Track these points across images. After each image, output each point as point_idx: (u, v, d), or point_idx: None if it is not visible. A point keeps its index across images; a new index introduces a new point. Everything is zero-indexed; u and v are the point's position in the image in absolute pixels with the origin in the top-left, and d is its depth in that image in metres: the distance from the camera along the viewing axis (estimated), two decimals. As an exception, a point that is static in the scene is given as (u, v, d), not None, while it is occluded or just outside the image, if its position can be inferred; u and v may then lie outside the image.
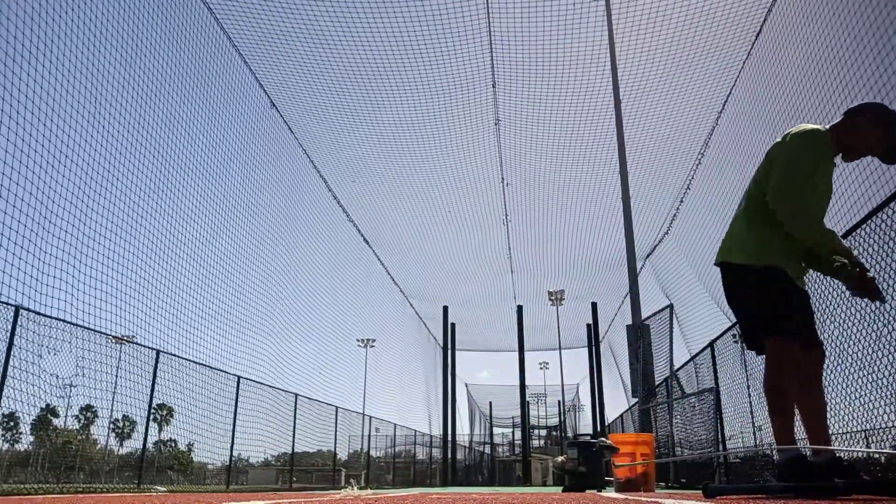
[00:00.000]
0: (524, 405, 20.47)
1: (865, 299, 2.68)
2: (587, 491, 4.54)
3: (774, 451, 6.78)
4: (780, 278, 2.64)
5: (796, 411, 2.67)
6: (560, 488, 6.73)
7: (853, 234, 4.27)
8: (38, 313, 6.48)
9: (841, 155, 2.75)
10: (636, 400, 11.10)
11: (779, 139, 2.71)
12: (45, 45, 5.90)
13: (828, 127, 2.72)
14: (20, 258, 5.68)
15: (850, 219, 4.59)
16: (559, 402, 37.10)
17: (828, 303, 4.77)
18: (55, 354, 6.84)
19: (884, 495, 2.18)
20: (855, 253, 2.71)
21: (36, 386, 6.54)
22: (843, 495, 2.09)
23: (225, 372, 10.36)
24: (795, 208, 2.58)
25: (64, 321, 6.74)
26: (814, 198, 2.62)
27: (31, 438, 8.30)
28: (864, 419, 4.23)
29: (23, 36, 5.63)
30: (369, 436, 18.90)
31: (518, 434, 30.88)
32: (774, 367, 2.59)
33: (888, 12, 5.03)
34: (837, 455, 2.54)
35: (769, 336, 2.61)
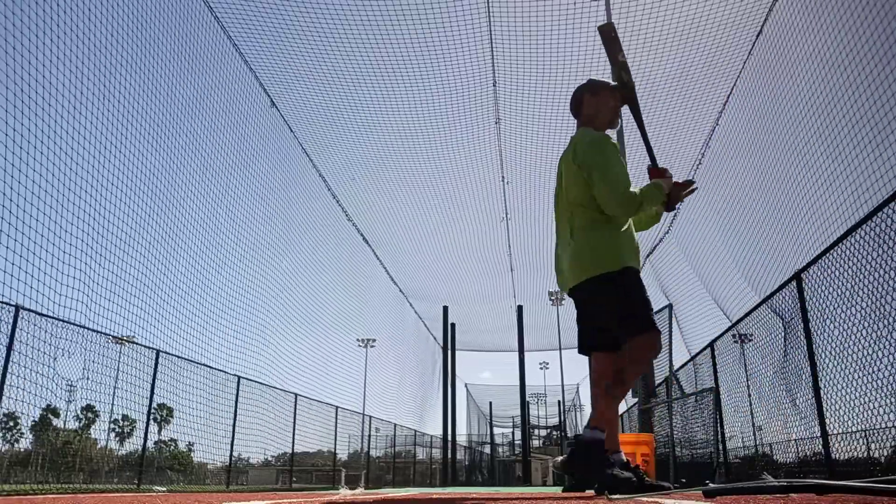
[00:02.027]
0: (524, 405, 20.47)
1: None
2: (587, 491, 4.53)
3: (774, 451, 6.78)
4: (636, 276, 2.77)
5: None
6: (560, 488, 6.73)
7: (853, 233, 4.27)
8: (38, 313, 6.48)
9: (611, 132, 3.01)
10: (636, 400, 11.10)
11: (568, 154, 2.88)
12: (44, 43, 5.90)
13: (583, 125, 2.99)
14: (21, 256, 5.69)
15: (850, 219, 4.60)
16: (559, 402, 37.09)
17: (828, 302, 4.77)
18: (69, 357, 6.85)
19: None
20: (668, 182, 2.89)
21: (45, 387, 6.55)
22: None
23: (225, 372, 10.36)
24: (630, 202, 2.71)
25: (64, 321, 6.75)
26: (629, 181, 2.78)
27: (31, 438, 8.28)
28: (864, 419, 4.23)
29: (27, 28, 5.63)
30: (369, 436, 18.91)
31: (518, 434, 30.88)
32: (641, 361, 2.75)
33: (887, 12, 5.03)
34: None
35: (640, 333, 2.69)
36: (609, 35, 3.02)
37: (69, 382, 7.20)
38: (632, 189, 2.73)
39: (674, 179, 2.91)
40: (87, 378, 7.32)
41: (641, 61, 9.34)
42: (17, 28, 5.55)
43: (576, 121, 3.03)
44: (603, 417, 2.66)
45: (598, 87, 2.99)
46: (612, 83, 3.00)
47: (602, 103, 2.96)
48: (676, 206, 2.96)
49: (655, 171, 2.91)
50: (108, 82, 6.98)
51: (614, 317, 2.75)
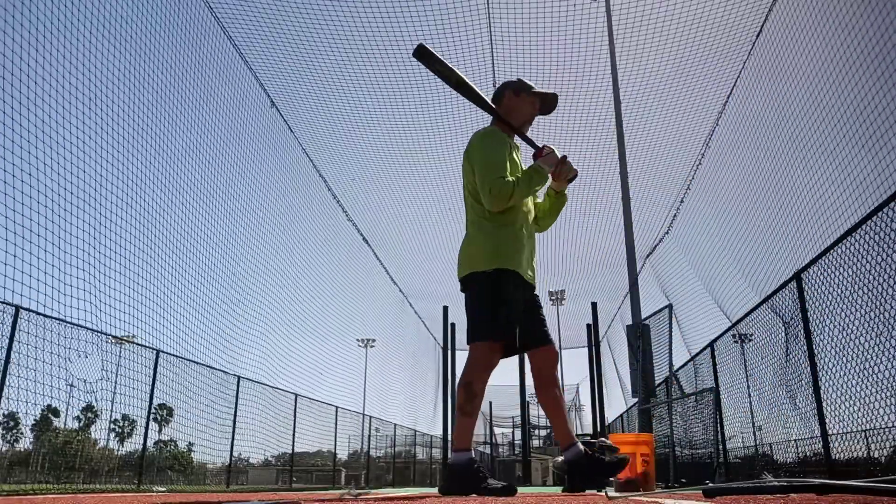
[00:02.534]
0: (524, 405, 20.46)
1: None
2: (587, 491, 4.53)
3: (774, 451, 6.79)
4: (504, 281, 2.76)
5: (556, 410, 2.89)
6: (560, 488, 6.73)
7: (853, 233, 4.27)
8: (38, 313, 6.48)
9: (517, 136, 3.05)
10: (636, 400, 11.10)
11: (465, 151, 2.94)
12: (43, 46, 5.90)
13: (491, 124, 3.02)
14: (21, 259, 5.68)
15: (850, 219, 4.60)
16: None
17: (827, 303, 4.77)
18: (69, 356, 6.85)
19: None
20: None
21: (45, 385, 6.55)
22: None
23: (225, 372, 10.36)
24: (501, 190, 2.72)
25: (64, 321, 6.75)
26: (511, 177, 2.80)
27: (31, 438, 8.29)
28: (864, 419, 4.23)
29: (24, 30, 5.63)
30: (369, 436, 18.91)
31: (518, 434, 30.88)
32: (480, 370, 2.73)
33: (888, 12, 5.03)
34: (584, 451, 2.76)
35: (477, 340, 2.74)
36: (424, 56, 3.09)
37: (69, 382, 7.20)
38: (504, 179, 2.75)
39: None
40: (86, 380, 7.32)
41: (641, 61, 9.34)
42: (13, 28, 5.56)
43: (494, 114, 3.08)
44: (464, 437, 2.73)
45: (522, 89, 3.04)
46: (541, 91, 3.05)
47: (519, 106, 3.01)
48: (572, 177, 3.01)
49: (537, 153, 2.94)
50: (108, 82, 6.98)
51: (468, 317, 2.81)
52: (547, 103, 3.07)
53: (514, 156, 2.94)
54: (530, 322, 2.88)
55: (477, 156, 2.85)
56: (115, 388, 7.96)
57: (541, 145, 2.96)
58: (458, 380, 2.83)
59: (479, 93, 3.03)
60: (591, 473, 2.67)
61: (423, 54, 3.05)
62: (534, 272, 2.96)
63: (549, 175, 2.93)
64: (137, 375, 8.43)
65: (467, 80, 3.02)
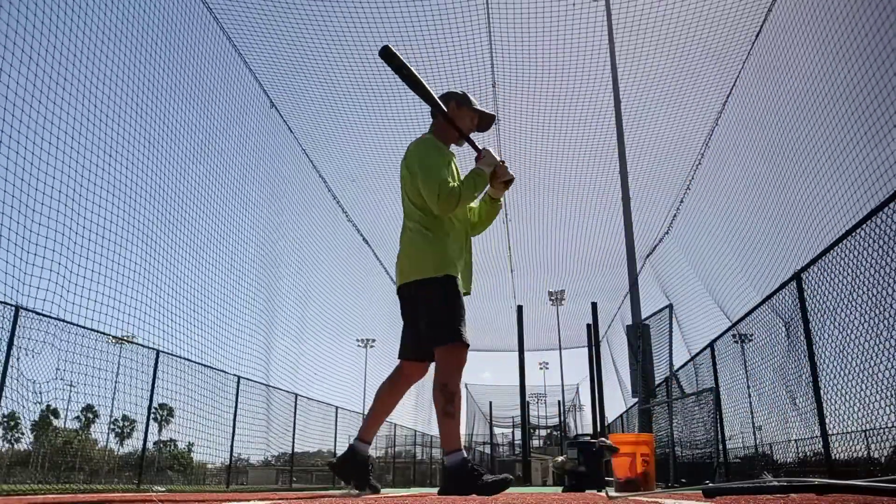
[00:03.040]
0: (524, 405, 20.45)
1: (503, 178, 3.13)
2: (587, 491, 4.54)
3: (774, 451, 6.78)
4: (455, 286, 2.92)
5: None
6: (560, 488, 6.73)
7: (853, 233, 4.27)
8: (38, 313, 6.48)
9: (454, 145, 3.23)
10: (636, 400, 11.09)
11: (404, 159, 3.09)
12: (38, 40, 5.90)
13: (429, 133, 3.19)
14: (20, 258, 5.69)
15: (850, 219, 4.59)
16: (559, 402, 37.08)
17: (826, 302, 4.77)
18: (69, 356, 6.84)
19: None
20: None
21: (43, 385, 6.54)
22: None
23: (225, 372, 10.36)
24: (449, 195, 2.87)
25: (64, 321, 6.75)
26: (454, 182, 2.97)
27: (31, 438, 8.28)
28: (864, 419, 4.23)
29: (20, 27, 5.63)
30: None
31: (518, 434, 30.87)
32: (453, 372, 2.84)
33: (888, 13, 5.03)
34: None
35: (448, 342, 2.84)
36: (392, 63, 3.18)
37: (69, 382, 7.20)
38: (451, 185, 2.89)
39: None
40: (85, 382, 7.32)
41: (641, 60, 9.34)
42: (10, 27, 5.56)
43: (433, 120, 3.24)
44: (452, 439, 2.80)
45: (464, 103, 3.20)
46: (481, 109, 3.27)
47: (460, 117, 3.18)
48: (509, 181, 3.18)
49: (477, 157, 3.12)
50: (108, 82, 6.98)
51: (427, 323, 2.89)
52: (484, 121, 3.29)
53: (453, 164, 3.11)
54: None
55: (418, 163, 2.97)
56: (115, 387, 7.96)
57: (480, 147, 3.13)
58: (435, 381, 2.86)
59: (436, 98, 3.17)
60: (463, 484, 2.73)
61: (389, 57, 3.14)
62: (469, 283, 3.14)
63: (489, 178, 3.08)
64: (138, 374, 8.44)
65: (426, 84, 3.14)
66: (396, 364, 3.15)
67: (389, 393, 3.14)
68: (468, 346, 2.89)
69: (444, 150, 3.09)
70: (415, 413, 22.58)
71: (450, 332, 2.84)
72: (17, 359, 6.38)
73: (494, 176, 3.11)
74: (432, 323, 2.88)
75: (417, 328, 2.99)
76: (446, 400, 2.80)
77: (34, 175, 5.82)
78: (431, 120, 3.27)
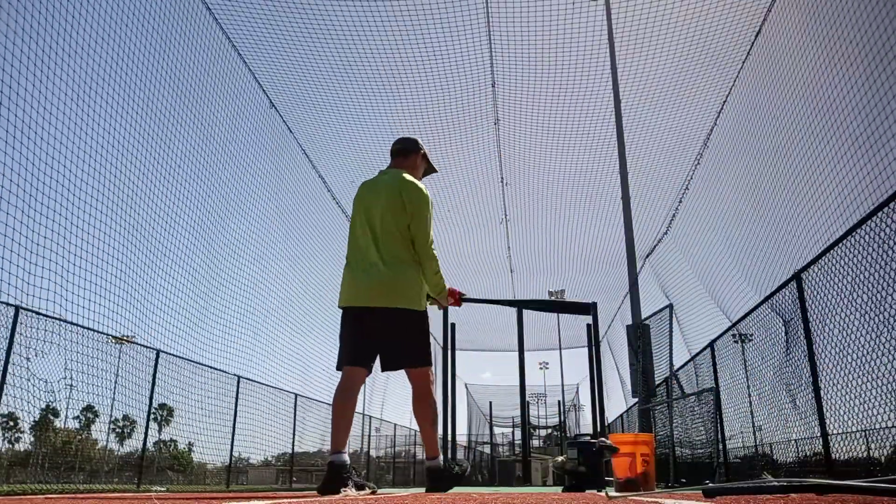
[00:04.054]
0: (524, 405, 20.44)
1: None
2: (587, 491, 4.54)
3: (774, 451, 6.79)
4: (427, 319, 3.42)
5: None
6: (560, 488, 6.73)
7: (853, 233, 4.27)
8: (38, 313, 6.48)
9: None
10: (636, 400, 11.10)
11: (392, 185, 3.33)
12: (35, 40, 5.91)
13: (419, 179, 3.57)
14: (21, 256, 5.69)
15: (850, 219, 4.60)
16: (559, 402, 37.06)
17: (828, 302, 4.77)
18: (69, 356, 6.84)
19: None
20: None
21: (43, 385, 6.54)
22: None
23: (225, 372, 10.36)
24: (433, 263, 3.37)
25: (64, 321, 6.75)
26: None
27: (31, 438, 8.28)
28: (864, 419, 4.23)
29: (18, 26, 5.63)
30: (369, 436, 18.91)
31: (518, 434, 30.87)
32: (430, 389, 3.38)
33: (888, 12, 5.03)
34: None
35: (425, 365, 3.36)
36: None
37: (69, 382, 7.20)
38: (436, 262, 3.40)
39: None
40: (85, 381, 7.32)
41: (641, 60, 9.34)
42: (9, 26, 5.56)
43: (394, 159, 3.60)
44: (437, 444, 3.42)
45: (422, 151, 3.69)
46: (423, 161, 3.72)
47: (416, 164, 3.61)
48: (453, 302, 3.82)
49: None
50: (108, 83, 6.98)
51: (409, 348, 3.34)
52: (430, 168, 3.78)
53: None
54: None
55: (422, 212, 3.31)
56: (115, 387, 7.96)
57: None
58: (421, 400, 3.39)
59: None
60: (440, 479, 3.40)
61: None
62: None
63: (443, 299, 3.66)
64: (138, 374, 8.43)
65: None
66: (342, 374, 3.36)
67: (348, 402, 3.33)
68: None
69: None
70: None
71: (426, 358, 3.37)
72: (28, 359, 6.38)
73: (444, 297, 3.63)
74: (413, 348, 3.34)
75: (381, 343, 3.35)
76: (434, 414, 3.36)
77: (34, 175, 5.82)
78: (395, 158, 3.64)
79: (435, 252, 3.36)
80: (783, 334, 5.96)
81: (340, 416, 3.26)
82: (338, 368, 3.36)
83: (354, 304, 3.34)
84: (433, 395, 3.38)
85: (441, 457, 3.43)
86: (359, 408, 15.69)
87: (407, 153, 3.56)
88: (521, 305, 3.93)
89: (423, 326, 3.37)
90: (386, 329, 3.30)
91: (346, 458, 3.22)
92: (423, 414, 3.36)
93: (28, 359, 6.35)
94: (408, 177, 3.38)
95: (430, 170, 3.77)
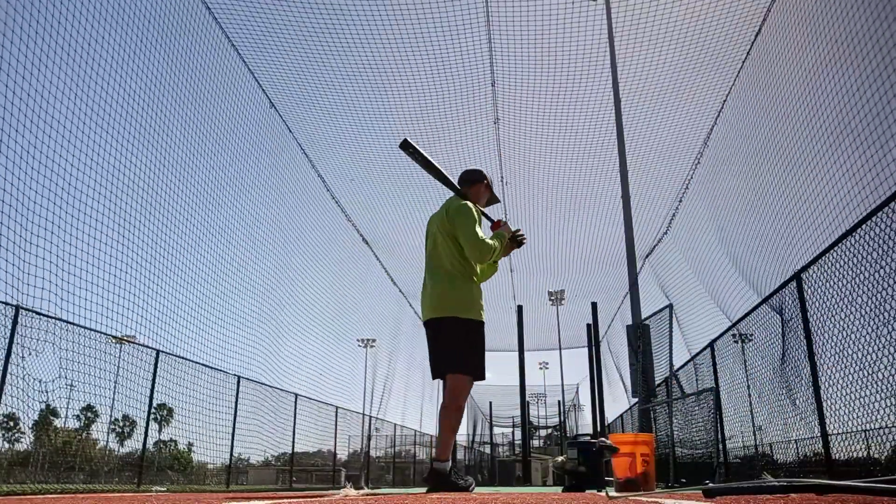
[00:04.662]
0: (524, 405, 20.45)
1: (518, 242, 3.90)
2: (587, 491, 4.54)
3: (774, 451, 6.78)
4: (482, 330, 3.67)
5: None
6: (560, 488, 6.73)
7: (853, 233, 4.27)
8: (38, 313, 6.48)
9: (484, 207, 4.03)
10: (636, 400, 11.10)
11: (446, 210, 3.78)
12: (35, 40, 5.90)
13: (468, 200, 3.86)
14: (18, 256, 5.68)
15: (850, 219, 4.60)
16: (559, 402, 37.06)
17: (828, 302, 4.77)
18: (69, 355, 6.83)
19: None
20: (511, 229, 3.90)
21: (41, 387, 6.54)
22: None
23: (225, 372, 10.36)
24: (486, 252, 3.60)
25: (64, 321, 6.75)
26: (486, 236, 3.70)
27: (31, 438, 8.28)
28: (864, 419, 4.23)
29: (19, 29, 5.63)
30: (369, 436, 18.91)
31: (518, 434, 30.87)
32: (462, 397, 3.56)
33: (888, 13, 5.03)
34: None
35: (457, 371, 3.55)
36: (410, 151, 3.87)
37: (69, 382, 7.20)
38: (488, 242, 3.63)
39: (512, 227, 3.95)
40: (85, 382, 7.32)
41: (641, 59, 9.34)
42: (8, 25, 5.56)
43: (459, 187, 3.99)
44: (449, 449, 3.57)
45: (480, 179, 4.05)
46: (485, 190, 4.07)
47: (478, 192, 4.00)
48: (521, 241, 3.95)
49: (495, 224, 3.93)
50: (111, 83, 6.98)
51: (447, 354, 3.59)
52: (493, 196, 4.12)
53: (480, 220, 3.82)
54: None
55: (462, 223, 3.63)
56: (115, 388, 7.95)
57: (496, 219, 3.96)
58: (446, 404, 3.57)
59: (450, 179, 3.97)
60: (442, 484, 3.52)
61: (406, 146, 3.84)
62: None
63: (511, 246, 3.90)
64: (138, 374, 8.43)
65: (444, 172, 3.93)
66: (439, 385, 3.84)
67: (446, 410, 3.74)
68: (476, 379, 3.61)
69: (478, 212, 3.79)
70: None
71: (460, 365, 3.55)
72: (22, 357, 6.38)
73: (513, 238, 3.87)
74: (451, 354, 3.58)
75: (433, 352, 3.71)
76: (455, 422, 3.55)
77: (33, 175, 5.82)
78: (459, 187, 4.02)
79: (490, 241, 3.62)
80: (780, 331, 5.96)
81: (440, 428, 3.70)
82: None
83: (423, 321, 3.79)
84: (461, 404, 3.56)
85: (449, 463, 3.53)
86: (358, 408, 15.55)
87: (468, 183, 4.00)
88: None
89: (464, 334, 3.58)
90: (434, 338, 3.70)
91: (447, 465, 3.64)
92: (445, 419, 3.57)
93: (23, 357, 6.34)
94: (451, 201, 3.79)
95: (492, 199, 4.12)
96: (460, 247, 3.64)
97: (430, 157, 3.86)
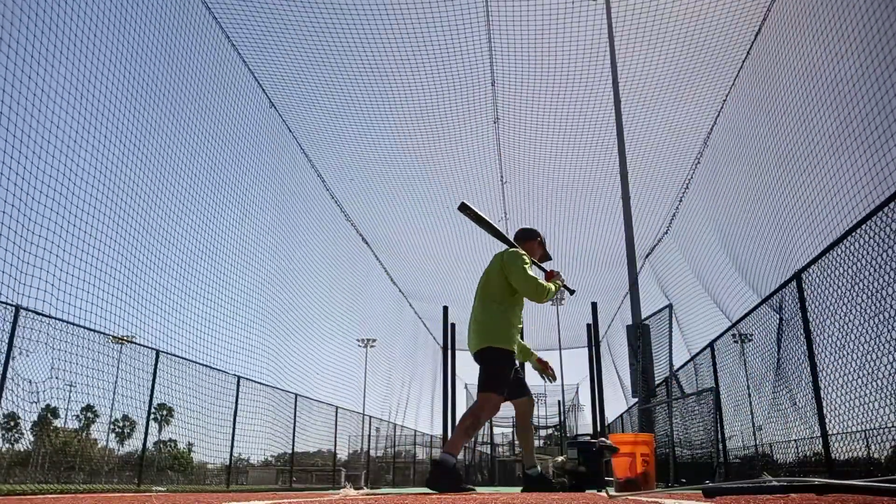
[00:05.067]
0: (524, 405, 20.41)
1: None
2: (587, 491, 4.55)
3: (774, 451, 6.78)
4: (511, 358, 4.16)
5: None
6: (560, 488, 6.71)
7: (853, 233, 4.27)
8: (38, 313, 6.48)
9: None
10: (636, 400, 11.10)
11: (500, 258, 4.27)
12: (32, 42, 5.90)
13: (520, 249, 4.40)
14: (19, 258, 5.68)
15: (850, 219, 4.59)
16: (559, 402, 37.02)
17: (828, 302, 4.77)
18: (70, 356, 6.83)
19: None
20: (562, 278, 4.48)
21: (43, 386, 6.54)
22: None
23: (225, 372, 10.36)
24: (538, 293, 4.12)
25: (64, 321, 6.75)
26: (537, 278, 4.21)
27: (31, 438, 8.28)
28: (864, 419, 4.23)
29: (16, 31, 5.63)
30: (369, 436, 18.91)
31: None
32: (484, 413, 3.99)
33: (889, 13, 5.03)
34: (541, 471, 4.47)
35: (483, 391, 4.03)
36: (468, 213, 4.38)
37: (69, 382, 7.19)
38: (542, 283, 4.16)
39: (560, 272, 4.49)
40: (85, 382, 7.31)
41: (641, 58, 9.34)
42: (14, 26, 5.56)
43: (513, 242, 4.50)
44: (457, 446, 3.94)
45: (532, 237, 4.62)
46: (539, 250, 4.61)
47: (532, 248, 4.53)
48: (572, 291, 4.57)
49: (548, 274, 4.46)
50: (110, 84, 6.98)
51: (480, 378, 4.10)
52: (546, 254, 4.64)
53: (530, 264, 4.30)
54: (514, 381, 4.28)
55: (517, 268, 4.15)
56: (115, 387, 7.96)
57: (549, 269, 4.48)
58: (467, 412, 4.03)
59: (506, 236, 4.48)
60: (443, 475, 3.84)
61: (465, 209, 4.37)
62: (519, 346, 4.42)
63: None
64: (138, 374, 8.44)
65: (499, 229, 4.45)
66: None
67: (523, 427, 4.65)
68: (501, 398, 4.07)
69: (528, 259, 4.28)
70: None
71: (487, 386, 4.03)
72: (14, 357, 6.37)
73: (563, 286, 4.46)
74: (481, 379, 4.10)
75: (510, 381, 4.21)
76: (472, 425, 3.98)
77: (33, 175, 5.82)
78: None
79: (543, 282, 4.17)
80: (777, 328, 5.96)
81: (521, 443, 4.68)
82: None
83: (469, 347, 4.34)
84: (480, 417, 4.02)
85: (455, 459, 3.85)
86: (358, 408, 15.59)
87: (522, 240, 4.54)
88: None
89: (493, 359, 4.08)
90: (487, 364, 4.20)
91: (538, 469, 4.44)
92: (461, 421, 4.02)
93: (14, 357, 6.33)
94: (506, 251, 4.28)
95: (545, 256, 4.61)
96: (509, 285, 4.15)
97: (486, 217, 4.40)
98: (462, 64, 9.50)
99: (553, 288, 4.23)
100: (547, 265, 4.65)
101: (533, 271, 4.25)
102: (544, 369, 4.73)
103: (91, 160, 6.66)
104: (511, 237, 4.57)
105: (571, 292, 4.53)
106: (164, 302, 8.21)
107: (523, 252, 4.32)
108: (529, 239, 4.59)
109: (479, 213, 4.37)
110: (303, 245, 13.12)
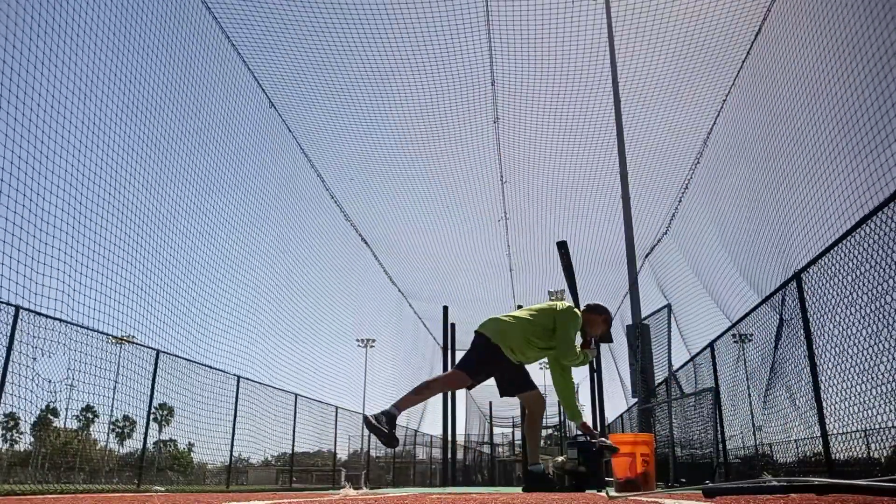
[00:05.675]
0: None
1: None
2: (587, 491, 4.55)
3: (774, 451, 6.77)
4: (479, 340, 4.42)
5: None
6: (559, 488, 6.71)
7: (853, 233, 4.27)
8: (38, 313, 6.48)
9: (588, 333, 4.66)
10: (636, 400, 11.10)
11: (556, 306, 4.44)
12: (36, 43, 5.90)
13: (595, 335, 4.66)
14: (18, 261, 5.68)
15: (851, 219, 4.60)
16: (559, 402, 37.00)
17: (828, 302, 4.76)
18: (70, 356, 6.83)
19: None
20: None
21: (43, 386, 6.54)
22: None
23: (225, 372, 10.36)
24: (570, 354, 4.32)
25: (64, 321, 6.75)
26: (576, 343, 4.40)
27: (31, 439, 8.28)
28: (863, 419, 4.23)
29: (21, 32, 5.63)
30: (369, 436, 18.90)
31: (518, 434, 30.83)
32: (444, 382, 4.74)
33: (888, 12, 5.03)
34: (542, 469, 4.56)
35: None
36: (564, 253, 4.76)
37: (69, 382, 7.20)
38: (577, 349, 4.36)
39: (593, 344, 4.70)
40: (85, 382, 7.31)
41: (641, 58, 9.34)
42: (9, 29, 5.56)
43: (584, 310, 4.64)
44: (406, 403, 4.02)
45: (600, 312, 4.71)
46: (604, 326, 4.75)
47: (594, 324, 4.64)
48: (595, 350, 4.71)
49: (585, 343, 4.59)
50: (111, 85, 6.98)
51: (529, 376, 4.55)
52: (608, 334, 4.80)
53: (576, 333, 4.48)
54: (518, 375, 4.47)
55: (572, 325, 4.32)
56: (115, 387, 7.95)
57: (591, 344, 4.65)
58: (535, 417, 4.61)
59: (578, 293, 4.79)
60: (539, 483, 4.26)
61: (562, 247, 4.79)
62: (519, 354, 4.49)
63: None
64: (138, 374, 8.43)
65: (576, 285, 4.77)
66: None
67: (529, 423, 4.77)
68: (461, 372, 4.31)
69: (580, 319, 4.42)
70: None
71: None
72: (35, 359, 6.37)
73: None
74: (528, 375, 4.55)
75: (503, 376, 4.47)
76: (425, 387, 4.13)
77: (32, 175, 5.82)
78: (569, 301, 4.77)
79: (577, 351, 4.37)
80: (782, 332, 5.95)
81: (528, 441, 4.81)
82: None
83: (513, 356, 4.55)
84: (440, 383, 4.47)
85: (398, 412, 3.93)
86: (358, 408, 15.57)
87: (592, 310, 4.65)
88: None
89: (477, 343, 4.41)
90: (497, 362, 4.44)
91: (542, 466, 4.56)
92: (533, 431, 4.70)
93: (34, 359, 6.34)
94: (571, 309, 4.41)
95: (606, 338, 4.76)
96: (547, 331, 4.32)
97: (572, 264, 4.73)
98: (462, 64, 9.49)
99: (582, 358, 4.41)
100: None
101: (576, 337, 4.44)
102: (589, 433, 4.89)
103: (91, 160, 6.65)
104: (583, 302, 4.73)
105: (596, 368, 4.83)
106: (164, 302, 8.21)
107: (580, 316, 4.45)
108: (596, 313, 4.68)
109: (571, 259, 4.71)
110: (302, 245, 13.13)
